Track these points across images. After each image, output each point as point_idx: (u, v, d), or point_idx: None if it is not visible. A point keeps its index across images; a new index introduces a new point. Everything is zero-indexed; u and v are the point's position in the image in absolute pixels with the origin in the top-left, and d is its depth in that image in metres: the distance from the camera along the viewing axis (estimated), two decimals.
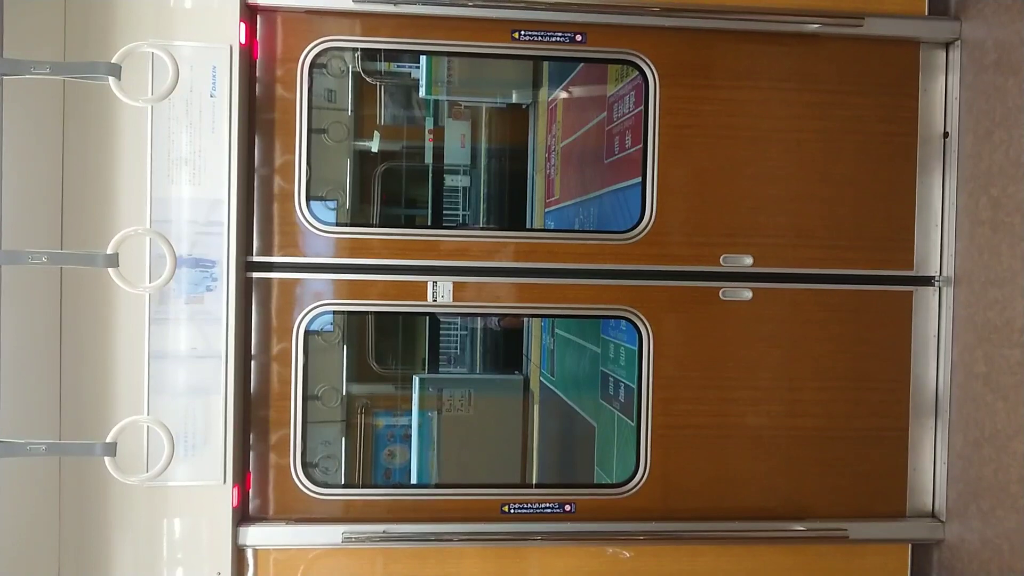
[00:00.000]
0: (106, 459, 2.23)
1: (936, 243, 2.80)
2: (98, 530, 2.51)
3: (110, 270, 2.21)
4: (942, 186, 2.80)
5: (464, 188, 4.82)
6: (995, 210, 2.56)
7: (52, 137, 2.45)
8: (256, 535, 2.60)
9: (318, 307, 2.68)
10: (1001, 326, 2.51)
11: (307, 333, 2.69)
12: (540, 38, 2.68)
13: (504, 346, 4.88)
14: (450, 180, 4.77)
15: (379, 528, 2.61)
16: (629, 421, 3.22)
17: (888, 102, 2.79)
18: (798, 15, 2.68)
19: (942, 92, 2.80)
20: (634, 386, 2.81)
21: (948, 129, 2.79)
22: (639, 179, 2.78)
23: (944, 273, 2.78)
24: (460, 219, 4.82)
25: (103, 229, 2.43)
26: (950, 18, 2.75)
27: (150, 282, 2.40)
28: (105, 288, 2.39)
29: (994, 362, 2.54)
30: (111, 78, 2.16)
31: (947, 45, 2.79)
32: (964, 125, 2.73)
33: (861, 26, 2.68)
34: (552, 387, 4.42)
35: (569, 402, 4.32)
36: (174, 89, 2.25)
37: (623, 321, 2.84)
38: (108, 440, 2.22)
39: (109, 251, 2.20)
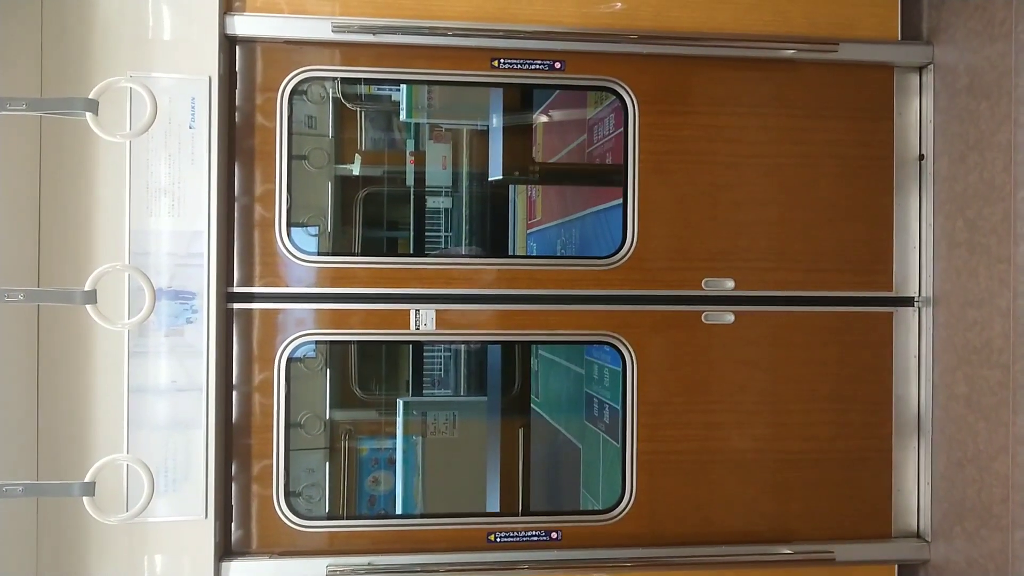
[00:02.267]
0: (85, 499, 2.19)
1: (915, 264, 2.83)
2: (77, 568, 2.46)
3: (88, 307, 2.18)
4: (919, 208, 2.84)
5: (446, 210, 4.82)
6: (971, 232, 2.59)
7: (29, 173, 2.43)
8: (239, 570, 2.56)
9: (300, 337, 2.66)
10: (980, 347, 2.53)
11: (289, 362, 2.67)
12: (520, 66, 2.70)
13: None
14: (432, 202, 4.76)
15: (364, 560, 2.59)
16: (614, 442, 3.22)
17: (864, 126, 2.83)
18: (774, 41, 2.71)
19: (917, 115, 2.84)
20: (618, 407, 2.81)
21: (924, 152, 2.83)
22: (620, 200, 2.79)
23: (923, 294, 2.81)
24: (442, 241, 4.81)
25: (81, 264, 2.40)
26: (922, 43, 2.80)
27: (129, 317, 2.37)
28: (83, 324, 2.36)
29: (974, 383, 2.56)
30: (88, 114, 2.14)
31: (920, 69, 2.83)
32: (939, 148, 2.77)
33: (836, 51, 2.72)
34: (537, 408, 4.41)
35: (554, 424, 4.31)
36: (152, 124, 2.24)
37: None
38: (86, 480, 2.18)
39: (87, 288, 2.18)
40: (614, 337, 2.75)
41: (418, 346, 4.66)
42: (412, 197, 4.64)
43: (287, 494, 2.65)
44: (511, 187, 4.48)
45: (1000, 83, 2.46)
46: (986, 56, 2.52)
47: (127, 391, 2.46)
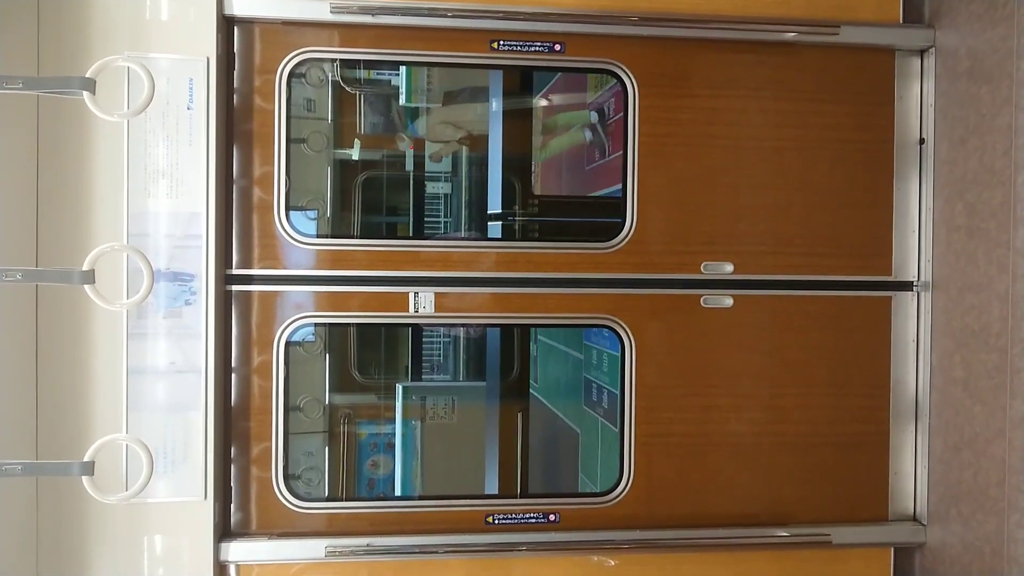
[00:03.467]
0: (84, 478, 2.20)
1: (914, 249, 2.83)
2: (77, 548, 2.47)
3: (86, 287, 2.18)
4: (919, 192, 2.83)
5: (446, 195, 4.80)
6: (970, 216, 2.58)
7: (26, 153, 2.42)
8: (238, 550, 2.58)
9: (299, 319, 2.67)
10: (978, 331, 2.53)
11: (288, 344, 2.67)
12: (519, 48, 2.69)
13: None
14: (431, 187, 4.75)
15: (362, 541, 2.60)
16: (612, 427, 3.22)
17: (864, 109, 2.82)
18: (775, 24, 2.70)
19: (917, 99, 2.83)
20: (617, 392, 2.81)
21: (924, 136, 2.82)
22: (618, 185, 2.79)
23: (922, 278, 2.81)
24: (442, 226, 4.80)
25: (79, 244, 2.40)
26: (924, 26, 2.79)
27: (127, 298, 2.37)
28: (82, 304, 2.36)
29: (972, 367, 2.56)
30: (85, 93, 2.13)
31: (921, 53, 2.82)
32: (939, 132, 2.76)
33: (837, 34, 2.71)
34: (536, 393, 4.41)
35: (553, 408, 4.32)
36: (150, 103, 2.23)
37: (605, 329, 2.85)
38: (86, 459, 2.19)
39: (85, 268, 2.17)
40: (613, 320, 2.75)
41: (417, 331, 4.67)
42: (411, 182, 4.63)
43: (286, 476, 2.66)
44: (510, 172, 4.48)
45: (1001, 67, 2.45)
46: (987, 39, 2.51)
47: (126, 372, 2.46)
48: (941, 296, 2.73)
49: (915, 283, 2.83)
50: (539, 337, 4.41)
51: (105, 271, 2.26)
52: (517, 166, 4.02)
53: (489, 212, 3.87)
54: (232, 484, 2.64)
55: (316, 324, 2.80)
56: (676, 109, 2.75)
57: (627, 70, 2.73)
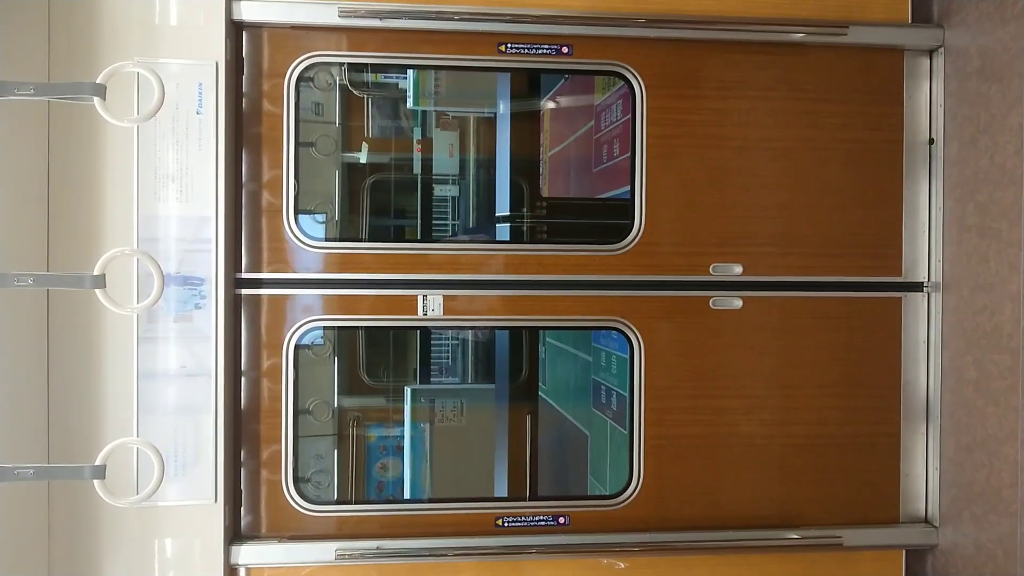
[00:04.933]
0: (95, 482, 2.21)
1: (924, 249, 2.82)
2: (88, 552, 2.49)
3: (97, 291, 2.19)
4: (929, 192, 2.82)
5: (453, 198, 4.81)
6: (982, 216, 2.57)
7: (37, 158, 2.44)
8: (248, 553, 2.58)
9: (308, 323, 2.67)
10: (990, 331, 2.52)
11: (297, 347, 2.68)
12: (527, 51, 2.69)
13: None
14: (439, 190, 4.75)
15: (372, 544, 2.60)
16: (622, 429, 3.22)
17: (874, 109, 2.81)
18: (783, 25, 2.70)
19: (927, 99, 2.82)
20: (626, 394, 2.81)
21: (934, 135, 2.81)
22: (627, 187, 2.79)
23: (933, 279, 2.80)
24: (450, 228, 4.81)
25: (90, 249, 2.42)
26: (933, 26, 2.78)
27: (138, 302, 2.39)
28: (92, 308, 2.37)
29: (984, 367, 2.55)
30: (96, 98, 2.14)
31: (931, 52, 2.81)
32: (949, 131, 2.75)
33: (846, 35, 2.71)
34: (544, 396, 4.41)
35: (562, 411, 4.31)
36: (160, 108, 2.24)
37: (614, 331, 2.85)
38: (97, 463, 2.20)
39: (96, 272, 2.19)
40: (622, 322, 2.75)
41: (426, 333, 4.67)
42: (419, 185, 4.63)
43: (296, 479, 2.66)
44: (518, 175, 4.48)
45: (1012, 66, 2.44)
46: (998, 38, 2.50)
47: (136, 376, 2.48)
48: (952, 297, 2.72)
49: (926, 284, 2.81)
50: (548, 340, 4.40)
51: (116, 275, 2.27)
52: (525, 168, 4.02)
53: (497, 214, 3.86)
54: (242, 487, 2.64)
55: (325, 327, 2.81)
56: (684, 110, 2.74)
57: (635, 72, 2.72)
